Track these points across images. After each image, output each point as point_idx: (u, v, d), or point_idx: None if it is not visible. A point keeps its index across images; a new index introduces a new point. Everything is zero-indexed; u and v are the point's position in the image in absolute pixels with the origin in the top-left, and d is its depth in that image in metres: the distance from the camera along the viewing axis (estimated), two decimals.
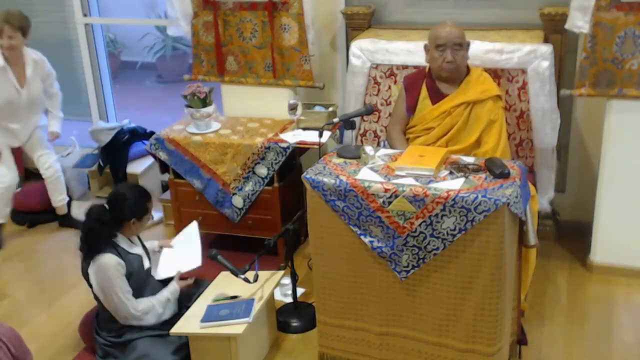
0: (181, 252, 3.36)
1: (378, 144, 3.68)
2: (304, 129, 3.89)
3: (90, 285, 3.01)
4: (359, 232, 2.71)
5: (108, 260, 2.92)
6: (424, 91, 3.31)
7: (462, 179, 2.64)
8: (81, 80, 5.28)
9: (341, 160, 2.89)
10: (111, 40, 8.35)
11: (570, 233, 4.05)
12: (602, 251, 3.68)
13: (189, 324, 2.98)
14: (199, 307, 3.08)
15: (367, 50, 3.65)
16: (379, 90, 3.70)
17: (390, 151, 3.01)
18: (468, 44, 3.25)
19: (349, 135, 3.81)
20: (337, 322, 2.92)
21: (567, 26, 3.38)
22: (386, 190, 2.61)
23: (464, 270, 2.60)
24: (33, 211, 4.61)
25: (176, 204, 4.04)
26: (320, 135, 3.27)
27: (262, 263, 3.21)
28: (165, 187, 4.63)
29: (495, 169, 2.66)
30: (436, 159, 2.74)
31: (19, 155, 4.53)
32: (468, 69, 3.28)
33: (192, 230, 3.46)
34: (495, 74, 3.44)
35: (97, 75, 5.24)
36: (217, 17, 4.04)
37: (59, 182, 4.47)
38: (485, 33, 3.70)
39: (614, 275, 3.65)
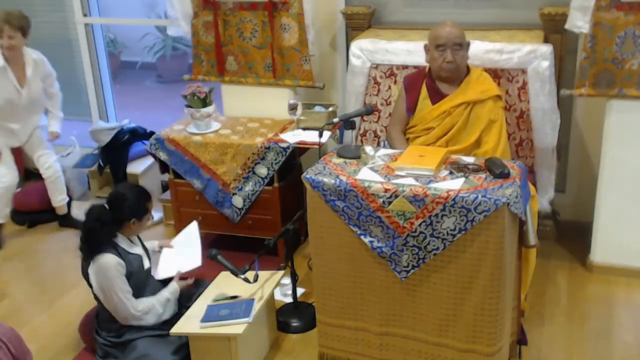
0: (181, 252, 3.36)
1: (378, 144, 3.67)
2: (304, 129, 3.88)
3: (90, 285, 3.01)
4: (359, 232, 2.71)
5: (108, 260, 2.91)
6: (424, 91, 3.31)
7: (462, 179, 2.63)
8: (81, 80, 5.28)
9: (341, 160, 2.89)
10: (111, 40, 8.35)
11: (570, 233, 4.05)
12: (602, 251, 3.68)
13: (189, 324, 2.98)
14: (199, 307, 3.08)
15: (367, 50, 3.65)
16: (379, 90, 3.70)
17: (390, 151, 3.01)
18: (468, 44, 3.25)
19: (349, 135, 3.81)
20: (337, 322, 2.92)
21: (567, 26, 3.38)
22: (386, 190, 2.61)
23: (464, 270, 2.59)
24: (33, 211, 4.61)
25: (176, 204, 4.04)
26: (320, 135, 3.27)
27: (262, 263, 3.20)
28: (165, 187, 4.62)
29: (495, 169, 2.66)
30: (436, 159, 2.73)
31: (19, 155, 4.53)
32: (468, 69, 3.28)
33: (192, 230, 3.46)
34: (495, 74, 3.44)
35: (97, 75, 5.24)
36: (217, 17, 4.04)
37: (59, 182, 4.47)
38: (485, 33, 3.70)
39: (614, 275, 3.65)
